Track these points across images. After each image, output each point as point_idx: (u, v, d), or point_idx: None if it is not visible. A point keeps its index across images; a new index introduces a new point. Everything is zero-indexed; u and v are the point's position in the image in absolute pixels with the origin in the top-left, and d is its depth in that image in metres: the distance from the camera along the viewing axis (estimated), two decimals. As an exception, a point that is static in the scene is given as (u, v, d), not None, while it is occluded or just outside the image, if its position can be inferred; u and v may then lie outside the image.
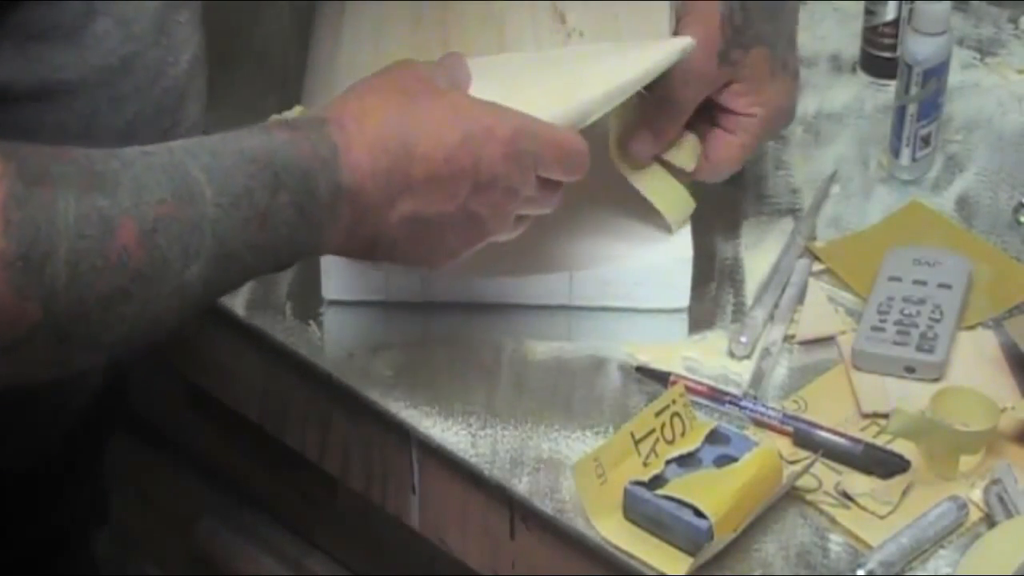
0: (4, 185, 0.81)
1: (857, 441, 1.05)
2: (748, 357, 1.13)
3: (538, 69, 1.12)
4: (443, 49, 1.10)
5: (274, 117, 1.00)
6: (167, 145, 0.90)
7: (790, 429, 1.07)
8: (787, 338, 1.14)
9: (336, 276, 1.16)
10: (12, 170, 0.82)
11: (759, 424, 1.08)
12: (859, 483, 1.04)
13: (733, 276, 1.20)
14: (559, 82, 1.08)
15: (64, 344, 0.85)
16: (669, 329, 1.15)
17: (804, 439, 1.06)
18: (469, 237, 1.03)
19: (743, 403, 1.08)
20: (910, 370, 1.10)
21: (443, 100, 1.00)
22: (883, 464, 1.04)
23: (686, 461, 1.03)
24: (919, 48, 1.23)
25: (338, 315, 1.16)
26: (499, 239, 1.05)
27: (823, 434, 1.06)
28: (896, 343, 1.11)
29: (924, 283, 1.15)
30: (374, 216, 0.97)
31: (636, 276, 1.15)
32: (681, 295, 1.16)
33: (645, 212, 1.17)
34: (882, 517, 1.02)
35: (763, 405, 1.08)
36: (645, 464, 1.03)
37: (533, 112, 1.03)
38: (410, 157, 0.97)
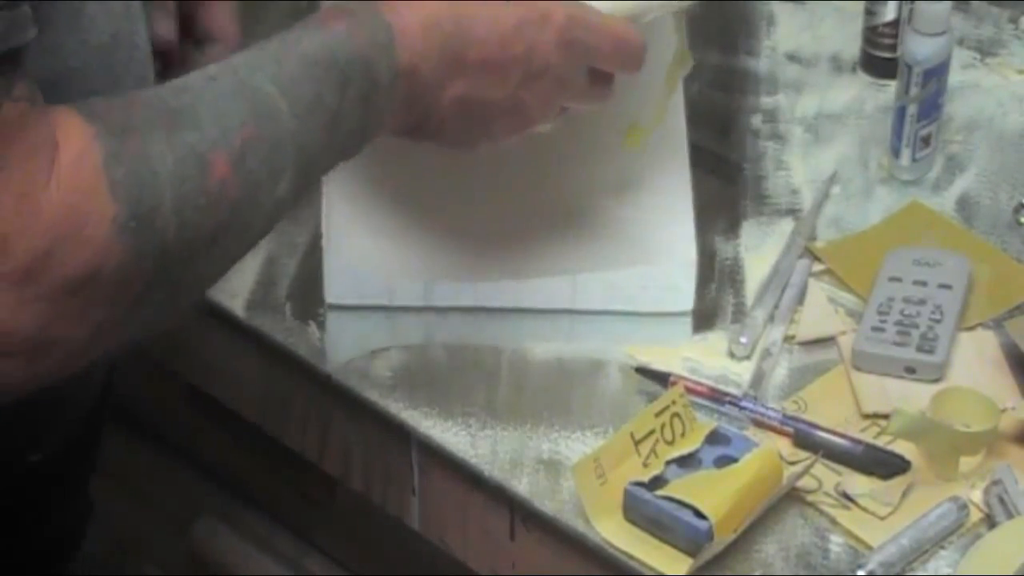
0: (99, 146, 0.81)
1: (857, 442, 1.05)
2: (748, 358, 1.13)
3: None
4: None
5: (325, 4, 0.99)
6: (228, 64, 0.90)
7: (790, 430, 1.07)
8: (787, 338, 1.14)
9: (338, 280, 1.15)
10: (101, 130, 0.82)
11: (759, 425, 1.08)
12: (859, 484, 1.04)
13: (733, 276, 1.19)
14: None
15: (176, 292, 0.86)
16: (670, 330, 1.15)
17: (804, 440, 1.06)
18: (513, 123, 1.02)
19: (743, 404, 1.08)
20: (910, 370, 1.10)
21: None
22: (883, 465, 1.04)
23: (686, 462, 1.03)
24: (919, 48, 1.23)
25: (338, 315, 1.16)
26: (541, 128, 1.04)
27: (823, 435, 1.06)
28: (896, 343, 1.11)
29: (924, 283, 1.15)
30: (426, 95, 0.97)
31: (640, 280, 1.15)
32: (685, 298, 1.15)
33: (648, 215, 1.16)
34: (882, 518, 1.02)
35: (763, 406, 1.08)
36: (645, 465, 1.02)
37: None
38: (465, 39, 0.97)
